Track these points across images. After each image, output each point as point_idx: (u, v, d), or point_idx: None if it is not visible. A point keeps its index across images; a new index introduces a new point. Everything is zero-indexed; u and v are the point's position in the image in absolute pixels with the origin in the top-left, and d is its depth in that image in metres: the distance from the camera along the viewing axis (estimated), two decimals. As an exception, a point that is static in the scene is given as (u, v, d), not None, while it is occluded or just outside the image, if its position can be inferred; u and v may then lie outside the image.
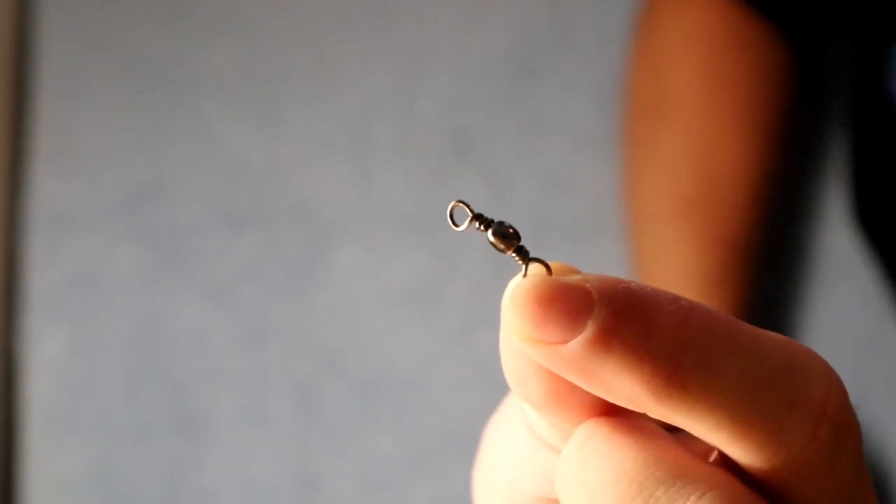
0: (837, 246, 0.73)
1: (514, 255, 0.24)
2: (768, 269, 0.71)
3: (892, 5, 0.66)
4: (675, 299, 0.22)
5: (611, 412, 0.24)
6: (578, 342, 0.22)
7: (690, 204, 0.67)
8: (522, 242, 0.24)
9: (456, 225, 0.25)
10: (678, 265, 0.66)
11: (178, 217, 0.77)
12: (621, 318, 0.22)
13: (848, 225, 0.73)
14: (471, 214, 0.24)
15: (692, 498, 0.22)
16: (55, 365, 0.76)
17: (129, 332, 0.76)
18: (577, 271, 0.24)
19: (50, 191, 0.79)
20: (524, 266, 0.24)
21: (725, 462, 0.24)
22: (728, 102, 0.69)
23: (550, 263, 0.24)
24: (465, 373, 0.74)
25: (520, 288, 0.23)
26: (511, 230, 0.24)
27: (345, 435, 0.74)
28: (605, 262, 0.74)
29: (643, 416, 0.24)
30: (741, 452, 0.23)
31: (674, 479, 0.22)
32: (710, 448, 0.24)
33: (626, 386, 0.22)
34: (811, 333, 0.72)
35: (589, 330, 0.22)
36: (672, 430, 0.24)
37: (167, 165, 0.78)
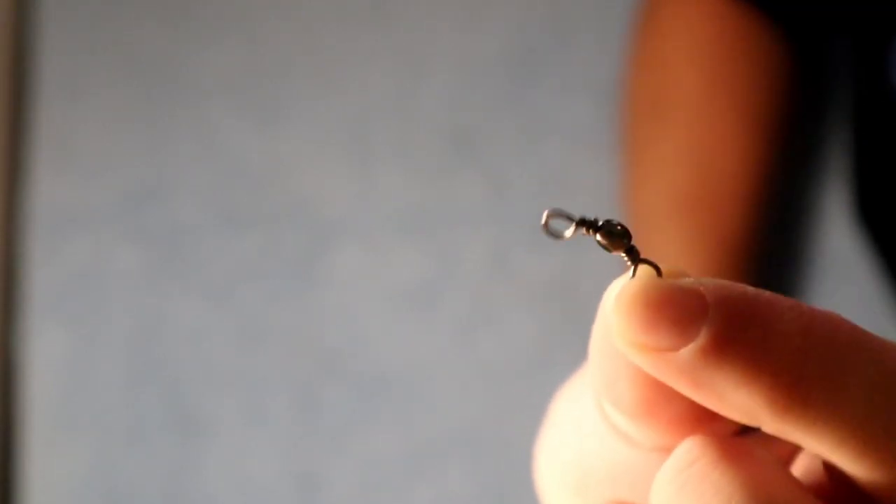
0: (838, 246, 0.73)
1: (623, 254, 0.23)
2: (768, 269, 0.71)
3: (892, 3, 0.66)
4: (797, 306, 0.21)
5: (705, 424, 0.22)
6: (691, 350, 0.20)
7: (690, 203, 0.67)
8: (633, 242, 0.23)
9: (556, 236, 0.23)
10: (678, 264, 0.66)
11: (178, 217, 0.77)
12: (738, 325, 0.20)
13: (848, 225, 0.73)
14: (574, 221, 0.22)
15: None
16: (55, 365, 0.76)
17: (128, 331, 0.76)
18: (688, 274, 0.22)
19: (50, 191, 0.79)
20: (633, 267, 0.23)
21: (832, 471, 0.22)
22: (728, 102, 0.68)
23: (661, 265, 0.22)
24: (465, 373, 0.74)
25: (628, 289, 0.21)
26: (619, 227, 0.23)
27: (345, 435, 0.74)
28: (605, 262, 0.73)
29: (751, 439, 0.22)
30: (862, 470, 0.21)
31: None
32: (798, 448, 0.23)
33: (742, 398, 0.20)
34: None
35: (703, 337, 0.20)
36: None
37: (167, 165, 0.78)
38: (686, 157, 0.68)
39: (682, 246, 0.67)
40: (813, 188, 0.75)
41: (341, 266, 0.76)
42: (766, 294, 0.21)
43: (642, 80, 0.71)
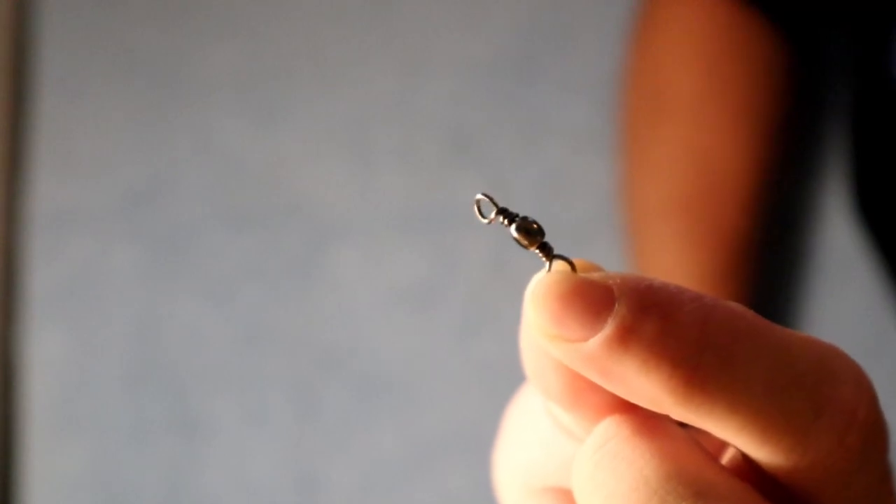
0: (838, 245, 0.73)
1: (537, 251, 0.24)
2: (768, 269, 0.71)
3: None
4: (699, 297, 0.22)
5: (632, 409, 0.23)
6: (597, 340, 0.21)
7: (689, 203, 0.67)
8: (546, 239, 0.24)
9: (483, 217, 0.24)
10: (677, 265, 0.66)
11: (178, 217, 0.77)
12: (640, 315, 0.21)
13: (848, 224, 0.73)
14: (496, 208, 0.24)
15: None
16: (55, 365, 0.76)
17: (128, 331, 0.76)
18: (600, 269, 0.23)
19: (50, 191, 0.79)
20: (548, 262, 0.24)
21: (746, 459, 0.23)
22: (726, 100, 0.69)
23: (574, 260, 0.23)
24: (465, 373, 0.74)
25: (541, 283, 0.22)
26: (535, 226, 0.24)
27: (344, 435, 0.74)
28: (605, 262, 0.73)
29: (666, 416, 0.23)
30: (764, 455, 0.22)
31: (696, 494, 0.22)
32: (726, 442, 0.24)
33: (646, 386, 0.21)
34: (811, 332, 0.72)
35: (608, 327, 0.21)
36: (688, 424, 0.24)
37: (167, 165, 0.78)
38: (685, 156, 0.68)
39: (681, 245, 0.67)
40: (812, 187, 0.75)
41: (341, 266, 0.76)
42: (672, 286, 0.22)
43: (641, 80, 0.71)
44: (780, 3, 0.69)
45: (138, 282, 0.77)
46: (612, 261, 0.73)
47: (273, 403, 0.75)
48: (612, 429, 0.23)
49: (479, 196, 0.24)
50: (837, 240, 0.73)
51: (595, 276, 0.22)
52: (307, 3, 0.81)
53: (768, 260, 0.71)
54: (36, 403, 0.76)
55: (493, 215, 0.24)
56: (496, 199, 0.24)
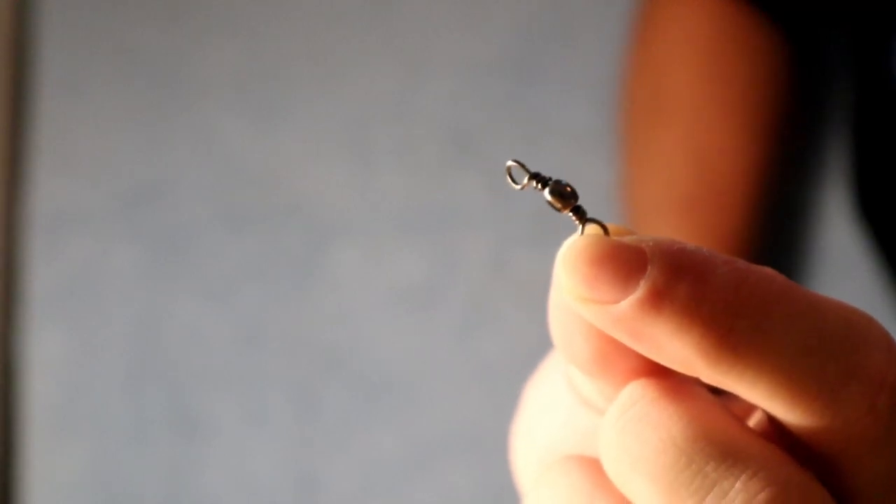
0: (838, 244, 0.73)
1: (570, 214, 0.24)
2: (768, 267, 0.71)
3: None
4: (731, 261, 0.22)
5: (659, 374, 0.24)
6: (629, 302, 0.21)
7: (689, 202, 0.67)
8: (580, 202, 0.24)
9: (516, 183, 0.24)
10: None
11: (178, 217, 0.77)
12: (673, 278, 0.21)
13: (848, 223, 0.73)
14: (528, 173, 0.24)
15: (743, 477, 0.21)
16: (55, 365, 0.76)
17: (128, 331, 0.76)
18: (634, 233, 0.23)
19: (50, 191, 0.79)
20: (581, 226, 0.24)
21: (774, 423, 0.23)
22: (726, 100, 0.69)
23: (608, 224, 0.23)
24: (465, 373, 0.74)
25: (573, 246, 0.22)
26: (569, 189, 0.24)
27: (345, 435, 0.74)
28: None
29: (693, 380, 0.23)
30: (794, 418, 0.22)
31: (724, 455, 0.22)
32: (754, 406, 0.24)
33: (677, 348, 0.22)
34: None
35: (640, 290, 0.21)
36: (718, 391, 0.23)
37: (167, 165, 0.78)
38: (685, 155, 0.68)
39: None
40: (812, 185, 0.75)
41: (341, 266, 0.76)
42: (704, 250, 0.22)
43: (641, 80, 0.71)
44: (781, 3, 0.69)
45: (138, 282, 0.77)
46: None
47: (273, 403, 0.75)
48: (637, 391, 0.23)
49: (510, 163, 0.24)
50: (838, 239, 0.73)
51: (628, 239, 0.22)
52: (307, 3, 0.81)
53: (768, 260, 0.71)
54: (36, 403, 0.76)
55: (525, 180, 0.24)
56: (527, 165, 0.24)
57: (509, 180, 0.24)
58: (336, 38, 0.80)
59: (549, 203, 0.24)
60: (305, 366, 0.75)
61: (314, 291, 0.76)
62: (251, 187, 0.78)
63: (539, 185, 0.24)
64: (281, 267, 0.76)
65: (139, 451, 0.75)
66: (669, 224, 0.67)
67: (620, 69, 0.74)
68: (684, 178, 0.68)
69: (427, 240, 0.76)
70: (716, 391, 0.23)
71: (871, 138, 0.70)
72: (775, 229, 0.72)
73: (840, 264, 0.73)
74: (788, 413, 0.22)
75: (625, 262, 0.22)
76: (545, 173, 0.24)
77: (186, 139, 0.79)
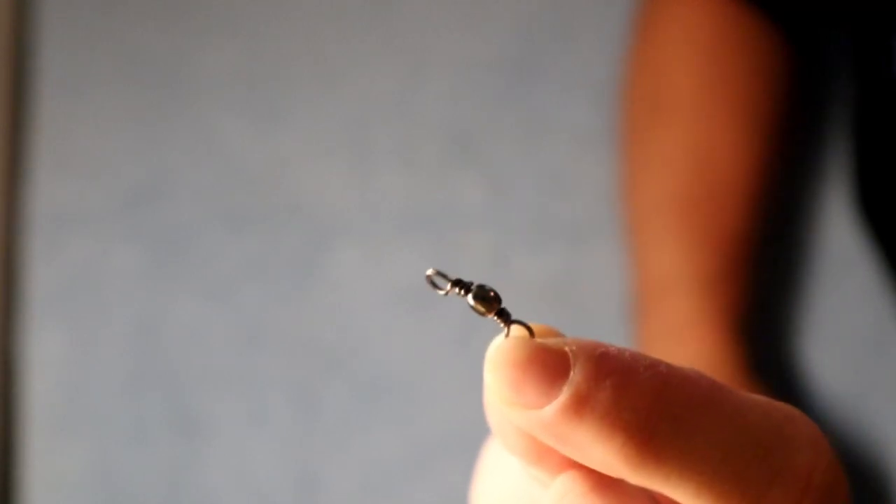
0: (838, 244, 0.73)
1: (495, 317, 0.24)
2: (768, 268, 0.71)
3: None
4: (654, 365, 0.22)
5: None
6: (553, 408, 0.21)
7: (690, 202, 0.67)
8: (504, 305, 0.24)
9: (439, 289, 0.25)
10: (677, 264, 0.66)
11: (178, 217, 0.77)
12: (595, 383, 0.21)
13: (849, 223, 0.73)
14: (450, 281, 0.24)
15: None
16: (55, 365, 0.76)
17: (128, 331, 0.76)
18: (558, 334, 0.23)
19: (50, 191, 0.79)
20: (506, 328, 0.24)
21: None
22: (727, 99, 0.69)
23: (532, 325, 0.24)
24: (465, 373, 0.74)
25: (499, 350, 0.22)
26: (492, 293, 0.24)
27: (345, 435, 0.74)
28: (605, 262, 0.73)
29: None
30: None
31: None
32: None
33: (601, 453, 0.22)
34: (811, 332, 0.72)
35: (563, 395, 0.21)
36: None
37: (167, 165, 0.78)
38: (685, 156, 0.68)
39: (682, 245, 0.67)
40: (812, 185, 0.75)
41: (341, 266, 0.76)
42: (626, 353, 0.22)
43: (641, 80, 0.71)
44: (781, 3, 0.69)
45: (138, 282, 0.77)
46: (612, 261, 0.73)
47: (273, 403, 0.75)
48: (567, 485, 0.23)
49: (429, 272, 0.25)
50: (838, 239, 0.73)
51: (551, 342, 0.22)
52: (307, 3, 0.81)
53: (768, 260, 0.71)
54: (36, 403, 0.76)
55: (448, 287, 0.24)
56: (447, 273, 0.24)
57: (431, 287, 0.25)
58: (336, 38, 0.80)
59: (473, 308, 0.24)
60: (305, 366, 0.75)
61: (314, 291, 0.76)
62: (251, 187, 0.78)
63: (462, 292, 0.24)
64: (281, 267, 0.76)
65: (139, 451, 0.75)
66: (669, 224, 0.67)
67: (620, 69, 0.74)
68: (684, 178, 0.68)
69: (427, 240, 0.76)
70: None
71: (872, 138, 0.70)
72: (775, 229, 0.72)
73: (840, 264, 0.73)
74: None
75: (548, 366, 0.22)
76: (466, 279, 0.24)
77: (186, 139, 0.79)
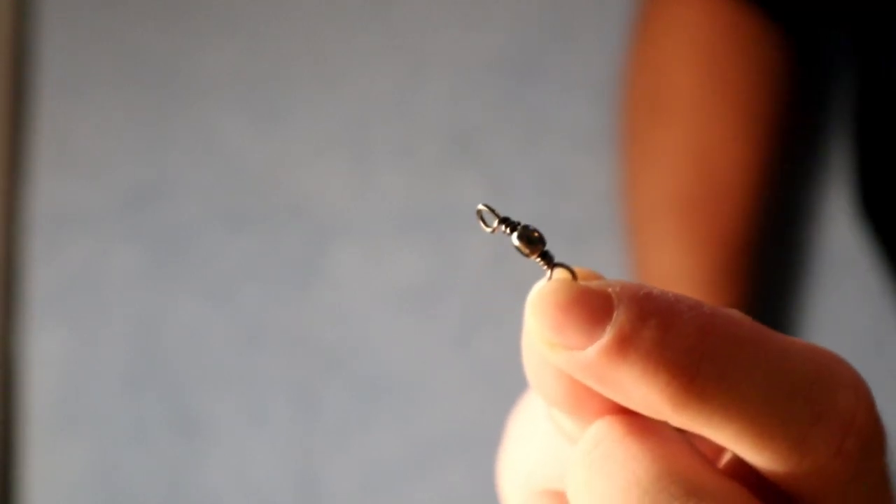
0: (838, 243, 0.73)
1: (538, 259, 0.24)
2: (768, 268, 0.71)
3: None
4: (697, 306, 0.22)
5: (631, 412, 0.23)
6: (595, 348, 0.21)
7: (690, 202, 0.67)
8: (547, 247, 0.24)
9: (486, 225, 0.24)
10: (678, 265, 0.66)
11: (178, 217, 0.77)
12: (639, 323, 0.21)
13: (849, 223, 0.73)
14: (497, 218, 0.24)
15: None
16: (55, 365, 0.76)
17: (128, 331, 0.76)
18: (601, 277, 0.23)
19: (50, 191, 0.79)
20: (549, 271, 0.24)
21: (743, 464, 0.23)
22: (727, 100, 0.69)
23: (575, 269, 0.24)
24: (465, 373, 0.74)
25: (541, 292, 0.22)
26: (536, 234, 0.24)
27: (345, 435, 0.74)
28: (605, 262, 0.73)
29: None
30: (762, 461, 0.22)
31: (687, 494, 0.22)
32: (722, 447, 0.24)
33: (644, 394, 0.22)
34: (812, 332, 0.72)
35: (606, 336, 0.21)
36: None
37: (167, 165, 0.78)
38: (685, 156, 0.68)
39: (682, 244, 0.67)
40: (813, 185, 0.75)
41: (341, 266, 0.76)
42: (670, 294, 0.22)
43: (641, 80, 0.71)
44: (782, 3, 0.69)
45: (138, 282, 0.77)
46: (611, 260, 0.73)
47: (273, 403, 0.75)
48: (603, 430, 0.23)
49: (480, 206, 0.24)
50: (838, 239, 0.73)
51: (594, 284, 0.22)
52: (307, 3, 0.81)
53: (769, 260, 0.71)
54: (36, 403, 0.76)
55: (495, 224, 0.24)
56: (497, 209, 0.24)
57: (480, 223, 0.25)
58: (336, 38, 0.80)
59: (517, 248, 0.24)
60: (305, 366, 0.75)
61: (314, 291, 0.76)
62: (251, 187, 0.78)
63: (508, 230, 0.24)
64: (281, 267, 0.76)
65: (139, 451, 0.75)
66: (669, 224, 0.67)
67: (620, 69, 0.74)
68: (684, 178, 0.68)
69: (427, 240, 0.76)
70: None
71: (872, 138, 0.70)
72: (776, 229, 0.72)
73: (840, 264, 0.73)
74: (756, 456, 0.22)
75: (591, 307, 0.22)
76: (514, 218, 0.24)
77: (186, 139, 0.79)
